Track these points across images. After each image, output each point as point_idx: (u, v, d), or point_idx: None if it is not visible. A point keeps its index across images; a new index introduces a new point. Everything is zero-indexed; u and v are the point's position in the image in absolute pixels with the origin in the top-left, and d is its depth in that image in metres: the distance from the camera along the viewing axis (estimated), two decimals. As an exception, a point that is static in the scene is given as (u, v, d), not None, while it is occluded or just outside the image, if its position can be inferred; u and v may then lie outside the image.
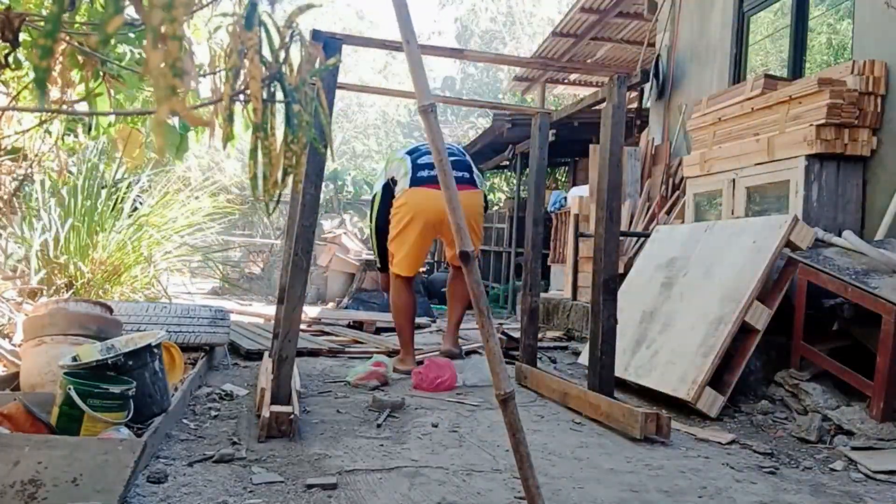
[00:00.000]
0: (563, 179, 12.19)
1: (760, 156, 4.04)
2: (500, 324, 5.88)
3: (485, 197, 4.24)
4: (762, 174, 4.07)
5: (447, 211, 1.69)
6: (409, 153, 4.04)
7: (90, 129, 3.26)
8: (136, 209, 4.66)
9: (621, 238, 4.92)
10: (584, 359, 4.09)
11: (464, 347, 4.50)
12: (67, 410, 2.02)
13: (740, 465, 2.44)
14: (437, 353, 4.23)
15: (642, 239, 5.15)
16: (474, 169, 4.14)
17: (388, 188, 4.06)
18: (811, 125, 3.68)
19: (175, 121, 2.94)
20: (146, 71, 0.79)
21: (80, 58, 1.90)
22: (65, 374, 2.13)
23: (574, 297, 5.80)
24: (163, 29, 0.78)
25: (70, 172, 4.33)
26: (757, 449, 2.64)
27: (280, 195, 1.20)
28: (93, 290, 4.17)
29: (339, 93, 2.85)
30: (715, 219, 4.40)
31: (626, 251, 5.36)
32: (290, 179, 1.14)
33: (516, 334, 4.47)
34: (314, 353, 4.34)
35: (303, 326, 4.67)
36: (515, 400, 1.63)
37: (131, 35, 2.47)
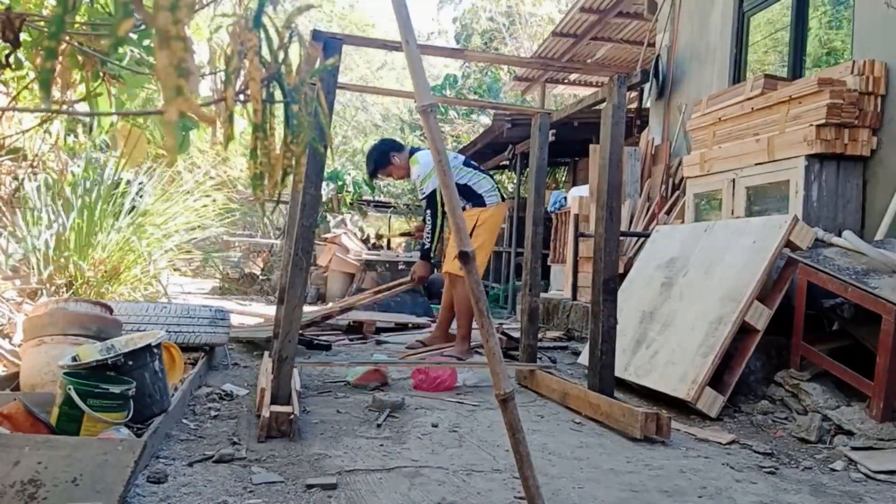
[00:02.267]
0: (563, 179, 12.18)
1: (760, 156, 4.04)
2: (500, 324, 5.88)
3: None
4: (762, 174, 4.07)
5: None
6: (477, 168, 4.58)
7: (91, 130, 3.26)
8: (133, 207, 4.65)
9: (621, 238, 4.92)
10: (584, 359, 4.09)
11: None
12: (67, 410, 2.02)
13: (740, 465, 2.44)
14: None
15: (642, 239, 5.15)
16: None
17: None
18: (811, 125, 3.68)
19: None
20: (154, 72, 0.79)
21: (79, 58, 1.90)
22: (65, 374, 2.12)
23: (574, 297, 5.79)
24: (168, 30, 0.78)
25: (72, 173, 4.33)
26: (757, 449, 2.64)
27: (280, 195, 1.20)
28: (93, 290, 4.17)
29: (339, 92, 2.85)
30: (715, 219, 4.40)
31: (626, 251, 5.36)
32: (290, 180, 1.14)
33: (516, 334, 4.46)
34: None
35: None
36: (515, 400, 1.63)
37: (132, 35, 2.47)
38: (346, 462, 2.21)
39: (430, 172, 4.31)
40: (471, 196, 4.41)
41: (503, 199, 4.59)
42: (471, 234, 4.24)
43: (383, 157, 4.56)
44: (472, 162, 4.70)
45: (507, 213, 4.67)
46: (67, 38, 1.75)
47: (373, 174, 4.74)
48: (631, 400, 3.21)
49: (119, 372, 2.26)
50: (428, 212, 4.36)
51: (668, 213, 5.47)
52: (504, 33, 19.54)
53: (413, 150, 4.59)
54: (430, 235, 4.37)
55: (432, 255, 4.46)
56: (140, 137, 4.09)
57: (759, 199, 4.17)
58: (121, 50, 2.50)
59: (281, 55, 1.08)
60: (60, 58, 1.79)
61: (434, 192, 4.29)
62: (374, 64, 23.53)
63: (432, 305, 7.61)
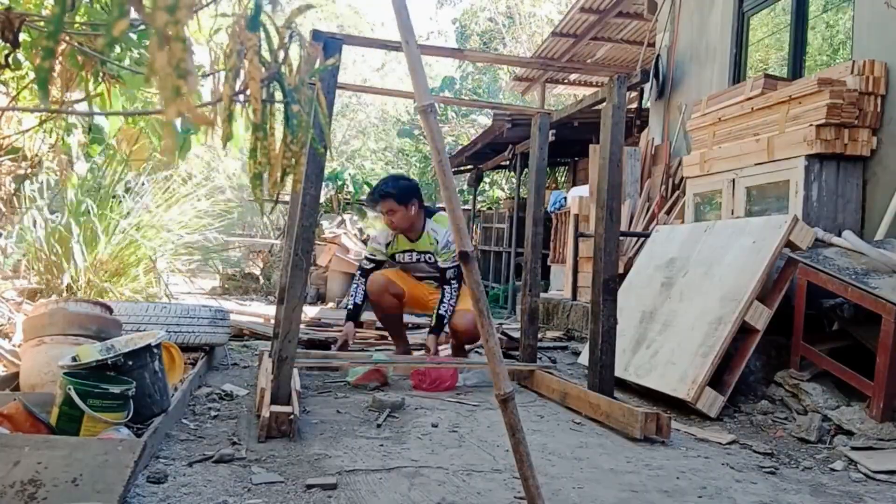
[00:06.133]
0: (563, 179, 12.18)
1: (760, 156, 4.04)
2: (500, 324, 5.88)
3: None
4: (762, 174, 4.07)
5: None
6: None
7: (89, 130, 3.26)
8: (132, 210, 4.65)
9: (621, 238, 4.93)
10: (584, 359, 4.09)
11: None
12: (67, 410, 2.02)
13: (740, 465, 2.44)
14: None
15: (642, 239, 5.15)
16: None
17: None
18: (811, 125, 3.67)
19: (178, 122, 2.94)
20: (151, 73, 0.79)
21: (79, 58, 1.90)
22: (64, 374, 2.12)
23: (574, 297, 5.79)
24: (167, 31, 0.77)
25: (74, 173, 4.33)
26: (757, 449, 2.64)
27: (279, 195, 1.20)
28: (93, 290, 4.16)
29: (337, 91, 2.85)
30: (715, 219, 4.40)
31: (626, 251, 5.36)
32: (289, 180, 1.14)
33: (516, 334, 4.47)
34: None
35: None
36: (515, 400, 1.63)
37: (132, 35, 2.47)
38: (346, 462, 2.21)
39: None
40: None
41: None
42: None
43: (404, 196, 3.79)
44: None
45: None
46: (67, 38, 1.75)
47: (378, 201, 3.90)
48: (631, 400, 3.21)
49: (119, 372, 2.25)
50: (454, 282, 3.78)
51: (668, 213, 5.47)
52: (503, 33, 19.55)
53: (430, 210, 4.01)
54: (452, 306, 3.76)
55: None
56: (142, 140, 4.10)
57: (759, 199, 4.17)
58: (120, 51, 2.50)
59: (281, 55, 1.08)
60: (60, 58, 1.79)
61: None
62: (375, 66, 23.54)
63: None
